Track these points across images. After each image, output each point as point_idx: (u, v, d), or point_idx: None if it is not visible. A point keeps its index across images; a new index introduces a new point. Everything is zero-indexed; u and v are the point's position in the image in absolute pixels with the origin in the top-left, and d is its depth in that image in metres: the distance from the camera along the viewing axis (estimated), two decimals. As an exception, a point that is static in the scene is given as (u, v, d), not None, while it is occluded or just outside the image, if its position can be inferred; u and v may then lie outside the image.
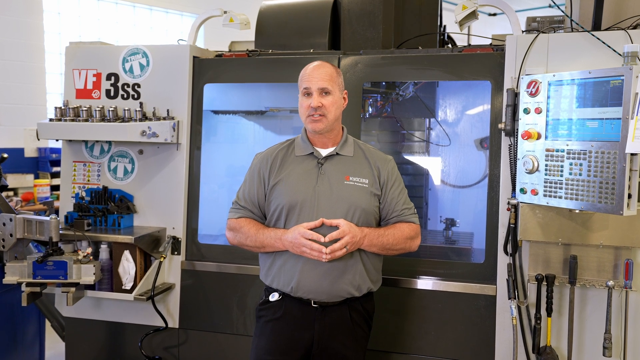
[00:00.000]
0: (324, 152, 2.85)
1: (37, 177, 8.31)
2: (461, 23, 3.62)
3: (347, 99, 2.93)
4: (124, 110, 3.76)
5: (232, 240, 2.90)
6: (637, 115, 2.56)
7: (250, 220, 2.86)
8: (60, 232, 3.59)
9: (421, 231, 2.94)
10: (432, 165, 4.56)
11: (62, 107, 3.85)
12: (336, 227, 2.65)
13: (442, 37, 4.37)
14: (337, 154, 2.85)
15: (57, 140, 4.06)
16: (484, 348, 3.40)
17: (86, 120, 3.78)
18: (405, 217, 2.86)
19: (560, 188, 2.86)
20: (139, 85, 3.90)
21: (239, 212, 2.89)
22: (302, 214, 2.73)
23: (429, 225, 4.54)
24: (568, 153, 2.82)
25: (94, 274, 3.53)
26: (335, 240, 2.63)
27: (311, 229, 2.65)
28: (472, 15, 3.57)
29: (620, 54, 2.99)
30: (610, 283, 3.01)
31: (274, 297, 2.81)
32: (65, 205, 4.03)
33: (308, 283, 2.71)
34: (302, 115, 2.80)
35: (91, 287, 3.71)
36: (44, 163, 8.46)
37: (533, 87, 2.98)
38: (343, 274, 2.72)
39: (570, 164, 2.81)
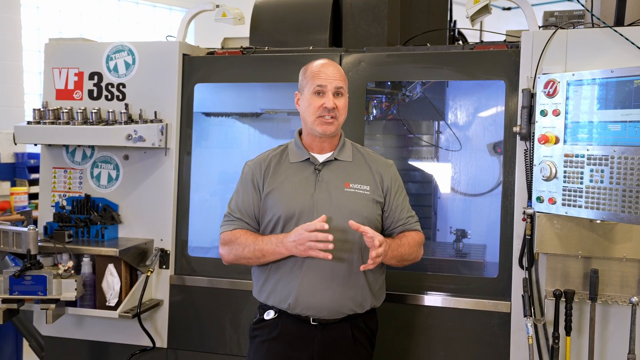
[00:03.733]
0: (321, 158, 2.85)
1: (14, 184, 8.33)
2: (473, 18, 3.63)
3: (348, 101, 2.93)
4: (108, 112, 3.77)
5: (227, 256, 2.84)
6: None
7: (247, 231, 2.84)
8: (39, 244, 3.59)
9: (430, 243, 2.96)
10: (442, 171, 4.56)
11: (41, 109, 3.86)
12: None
13: (452, 33, 4.38)
14: (335, 159, 2.85)
15: (35, 144, 4.06)
16: (498, 370, 3.40)
17: (67, 123, 3.78)
18: (411, 226, 2.90)
19: (580, 196, 2.86)
20: (124, 85, 3.90)
21: (234, 224, 2.86)
22: (300, 225, 2.71)
23: (438, 237, 4.54)
24: (588, 158, 2.82)
25: (76, 289, 3.52)
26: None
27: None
28: (485, 9, 3.58)
29: (644, 52, 3.00)
30: (635, 299, 3.01)
31: (269, 315, 2.80)
32: (45, 215, 4.04)
33: (307, 299, 2.71)
34: (310, 116, 2.78)
35: (72, 303, 3.70)
36: (22, 169, 8.48)
37: (551, 87, 2.99)
38: (346, 290, 2.72)
39: (591, 171, 2.81)
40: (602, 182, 2.77)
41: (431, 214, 4.52)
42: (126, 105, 3.83)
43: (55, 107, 3.86)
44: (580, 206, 2.87)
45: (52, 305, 3.53)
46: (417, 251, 2.87)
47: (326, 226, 2.56)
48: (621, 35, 3.10)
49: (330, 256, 2.57)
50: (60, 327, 3.98)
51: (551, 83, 2.99)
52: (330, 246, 2.56)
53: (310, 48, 3.90)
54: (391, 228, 2.89)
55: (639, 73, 2.65)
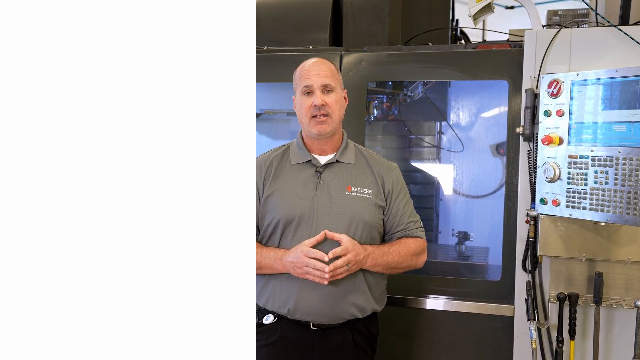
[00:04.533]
0: (323, 160, 2.82)
1: None
2: (475, 17, 3.63)
3: (348, 98, 2.91)
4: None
5: None
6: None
7: None
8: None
9: (431, 246, 2.93)
10: (444, 173, 4.56)
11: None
12: (339, 243, 2.62)
13: (454, 32, 4.38)
14: (337, 161, 2.82)
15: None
16: (500, 375, 3.40)
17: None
18: (410, 232, 2.84)
19: (585, 198, 2.85)
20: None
21: None
22: (300, 229, 2.71)
23: (439, 239, 4.53)
24: (593, 160, 2.82)
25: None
26: (337, 258, 2.60)
27: (314, 246, 2.62)
28: (488, 8, 3.57)
29: (649, 51, 2.99)
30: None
31: (268, 319, 2.78)
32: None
33: (307, 304, 2.69)
34: (304, 118, 2.76)
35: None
36: None
37: (554, 88, 2.98)
38: (346, 295, 2.70)
39: (596, 172, 2.81)
40: (606, 183, 2.76)
41: (433, 216, 4.51)
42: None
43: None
44: (584, 208, 2.86)
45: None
46: (410, 259, 2.81)
47: (326, 258, 2.56)
48: (626, 34, 3.10)
49: (326, 282, 2.58)
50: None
51: (555, 83, 2.98)
52: (326, 276, 2.56)
53: (310, 47, 3.89)
54: (390, 233, 2.86)
55: (644, 73, 2.65)
